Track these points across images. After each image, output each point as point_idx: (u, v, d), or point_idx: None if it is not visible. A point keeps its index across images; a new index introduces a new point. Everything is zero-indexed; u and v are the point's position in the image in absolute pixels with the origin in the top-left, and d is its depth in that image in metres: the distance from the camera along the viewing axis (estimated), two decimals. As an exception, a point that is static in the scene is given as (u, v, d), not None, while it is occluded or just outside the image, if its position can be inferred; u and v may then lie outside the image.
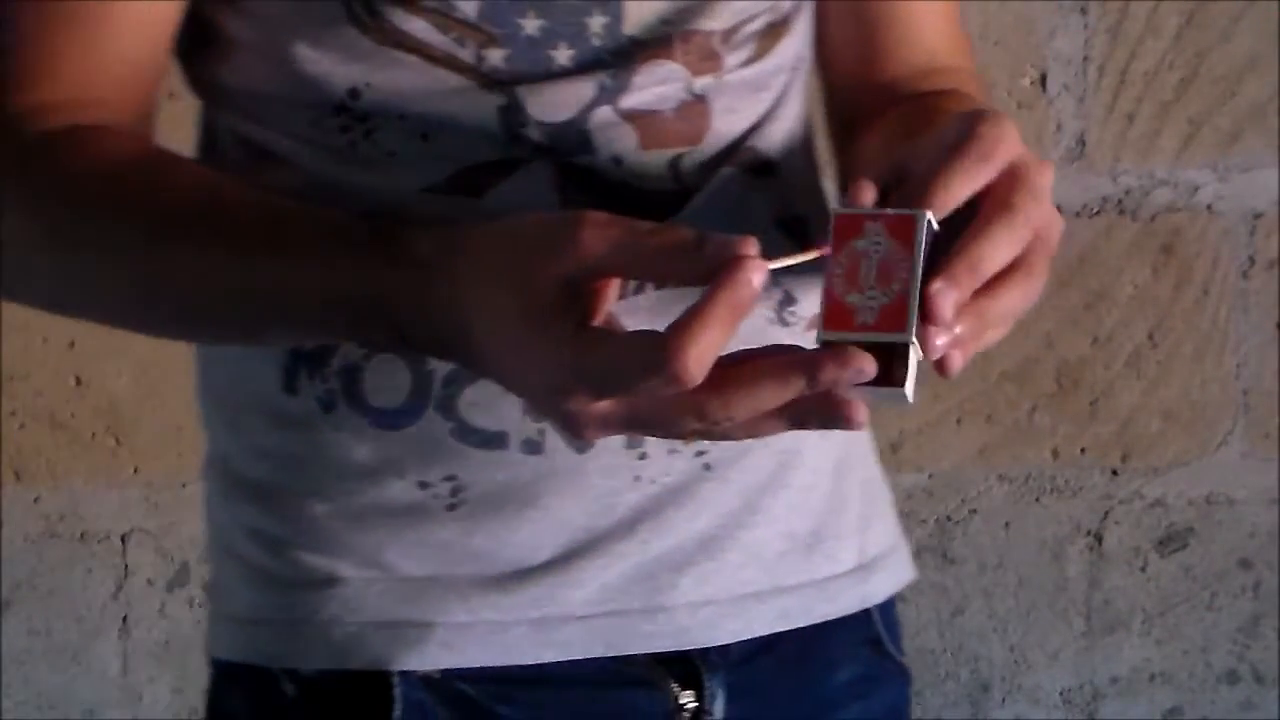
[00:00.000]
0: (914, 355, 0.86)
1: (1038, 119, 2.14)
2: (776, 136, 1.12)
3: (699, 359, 0.82)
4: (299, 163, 1.07)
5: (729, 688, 1.13)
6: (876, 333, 0.85)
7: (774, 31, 1.11)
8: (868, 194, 0.89)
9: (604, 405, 0.87)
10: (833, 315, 0.86)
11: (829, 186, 1.19)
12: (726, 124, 1.09)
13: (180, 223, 1.00)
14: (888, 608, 1.20)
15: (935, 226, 0.88)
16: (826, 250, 0.87)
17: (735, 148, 1.10)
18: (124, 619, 2.18)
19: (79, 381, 2.14)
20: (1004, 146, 0.89)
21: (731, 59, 1.09)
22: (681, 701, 1.12)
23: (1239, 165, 2.19)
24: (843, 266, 0.87)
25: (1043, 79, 2.16)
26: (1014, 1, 2.13)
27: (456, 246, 0.92)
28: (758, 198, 1.10)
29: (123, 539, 2.17)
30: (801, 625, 1.14)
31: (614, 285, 0.88)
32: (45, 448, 2.14)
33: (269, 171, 1.07)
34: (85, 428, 2.14)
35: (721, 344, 0.83)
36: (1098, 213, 2.19)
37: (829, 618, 1.15)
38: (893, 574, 1.20)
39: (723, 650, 1.12)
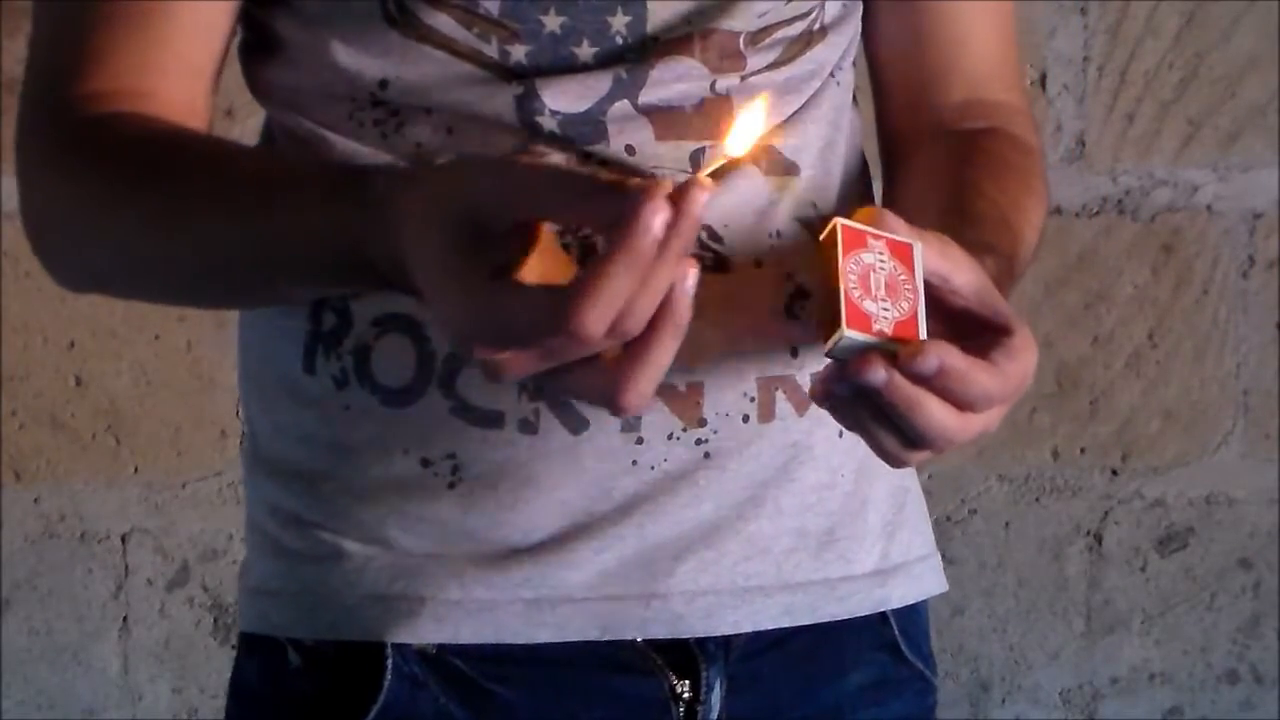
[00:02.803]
0: None
1: (1038, 119, 2.14)
2: (802, 139, 1.13)
3: (600, 318, 0.82)
4: (336, 155, 1.10)
5: (730, 680, 1.13)
6: (893, 341, 0.91)
7: (807, 39, 1.13)
8: (888, 222, 0.94)
9: (513, 354, 0.86)
10: (853, 316, 0.91)
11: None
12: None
13: (186, 195, 1.04)
14: (911, 615, 1.20)
15: None
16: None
17: (758, 145, 1.11)
18: (124, 619, 2.18)
19: (79, 381, 2.14)
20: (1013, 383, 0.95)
21: (756, 60, 1.11)
22: (678, 690, 1.12)
23: (1239, 165, 2.19)
24: (855, 274, 0.91)
25: (1042, 79, 2.16)
26: (1014, 1, 2.13)
27: (404, 181, 0.92)
28: (777, 195, 1.12)
29: (123, 539, 2.17)
30: (808, 623, 1.14)
31: (543, 232, 0.87)
32: (45, 448, 2.15)
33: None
34: (85, 428, 2.15)
35: (624, 297, 0.82)
36: (1098, 213, 2.19)
37: (838, 618, 1.15)
38: (917, 582, 1.19)
39: (724, 642, 1.13)
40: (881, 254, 0.92)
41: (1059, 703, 2.27)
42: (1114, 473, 2.23)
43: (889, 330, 0.91)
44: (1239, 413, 2.23)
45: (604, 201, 0.83)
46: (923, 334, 0.92)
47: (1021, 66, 1.25)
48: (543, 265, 0.87)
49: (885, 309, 0.92)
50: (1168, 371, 2.22)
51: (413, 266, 0.90)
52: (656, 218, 0.81)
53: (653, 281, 0.82)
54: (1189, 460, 2.23)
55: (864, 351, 0.91)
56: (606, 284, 0.81)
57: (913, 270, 0.93)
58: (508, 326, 0.85)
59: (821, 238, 0.94)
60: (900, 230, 0.94)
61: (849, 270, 0.91)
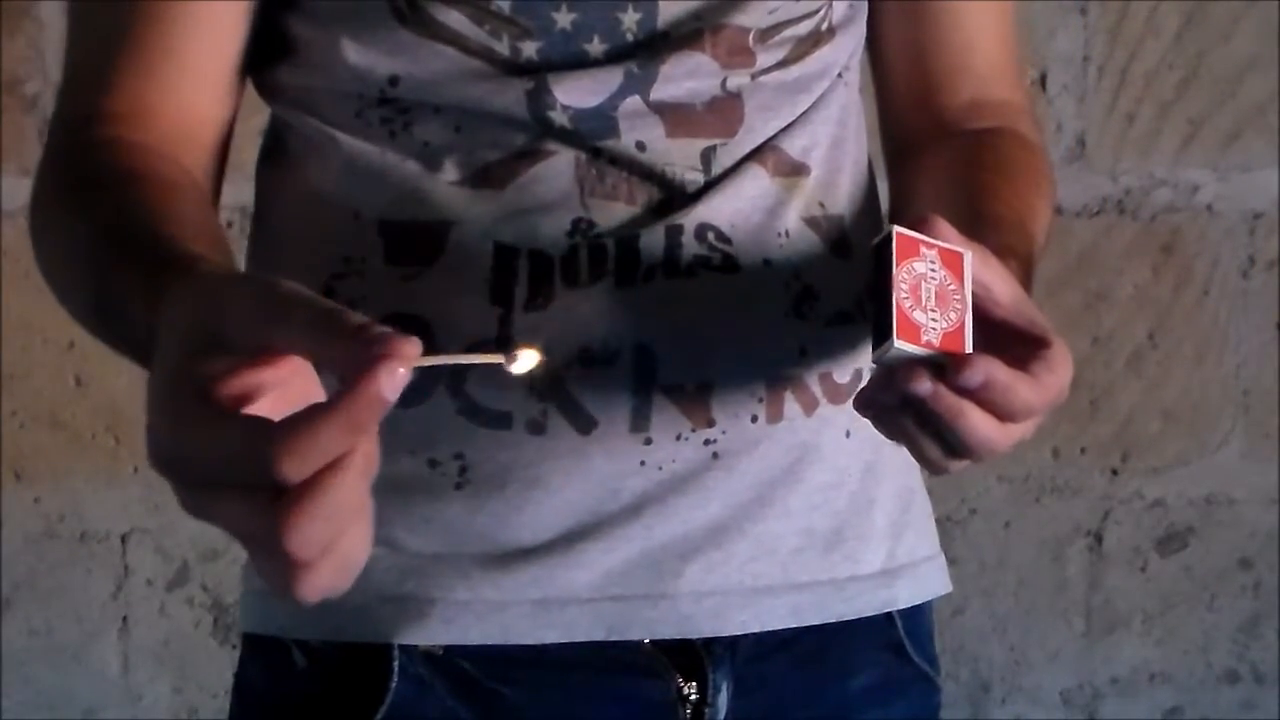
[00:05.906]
0: None
1: (1038, 119, 2.14)
2: (810, 139, 1.14)
3: (299, 469, 0.75)
4: (343, 155, 1.11)
5: (737, 682, 1.13)
6: (942, 353, 0.93)
7: (816, 38, 1.14)
8: (941, 230, 0.96)
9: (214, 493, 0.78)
10: (904, 326, 0.93)
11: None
12: (761, 121, 1.11)
13: (79, 239, 1.02)
14: (915, 615, 1.20)
15: None
16: (500, 359, 0.82)
17: (767, 145, 1.12)
18: (124, 619, 2.18)
19: (79, 381, 2.14)
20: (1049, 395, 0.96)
21: (765, 58, 1.11)
22: (685, 692, 1.12)
23: (1239, 165, 2.19)
24: (906, 283, 0.93)
25: (1043, 79, 2.16)
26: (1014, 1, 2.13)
27: (189, 285, 0.85)
28: (785, 195, 1.12)
29: (123, 539, 2.17)
30: (816, 623, 1.14)
31: (265, 369, 0.80)
32: (45, 448, 2.15)
33: (317, 164, 1.12)
34: (85, 428, 2.15)
35: (333, 453, 0.75)
36: (1098, 213, 2.19)
37: (845, 618, 1.15)
38: (922, 583, 1.19)
39: (730, 643, 1.13)
40: (933, 263, 0.94)
41: (1059, 703, 2.27)
42: (1114, 473, 2.23)
43: (937, 342, 0.93)
44: (1239, 413, 2.23)
45: (343, 353, 0.76)
46: (968, 346, 0.94)
47: (1022, 66, 1.26)
48: (286, 394, 0.81)
49: (934, 319, 0.94)
50: (1168, 371, 2.22)
51: (151, 371, 0.83)
52: (388, 387, 0.75)
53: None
54: (1189, 460, 2.24)
55: (910, 361, 0.93)
56: (318, 439, 0.75)
57: (962, 280, 0.95)
58: (203, 451, 0.78)
59: (875, 243, 0.95)
60: (952, 238, 0.95)
61: (901, 279, 0.93)
